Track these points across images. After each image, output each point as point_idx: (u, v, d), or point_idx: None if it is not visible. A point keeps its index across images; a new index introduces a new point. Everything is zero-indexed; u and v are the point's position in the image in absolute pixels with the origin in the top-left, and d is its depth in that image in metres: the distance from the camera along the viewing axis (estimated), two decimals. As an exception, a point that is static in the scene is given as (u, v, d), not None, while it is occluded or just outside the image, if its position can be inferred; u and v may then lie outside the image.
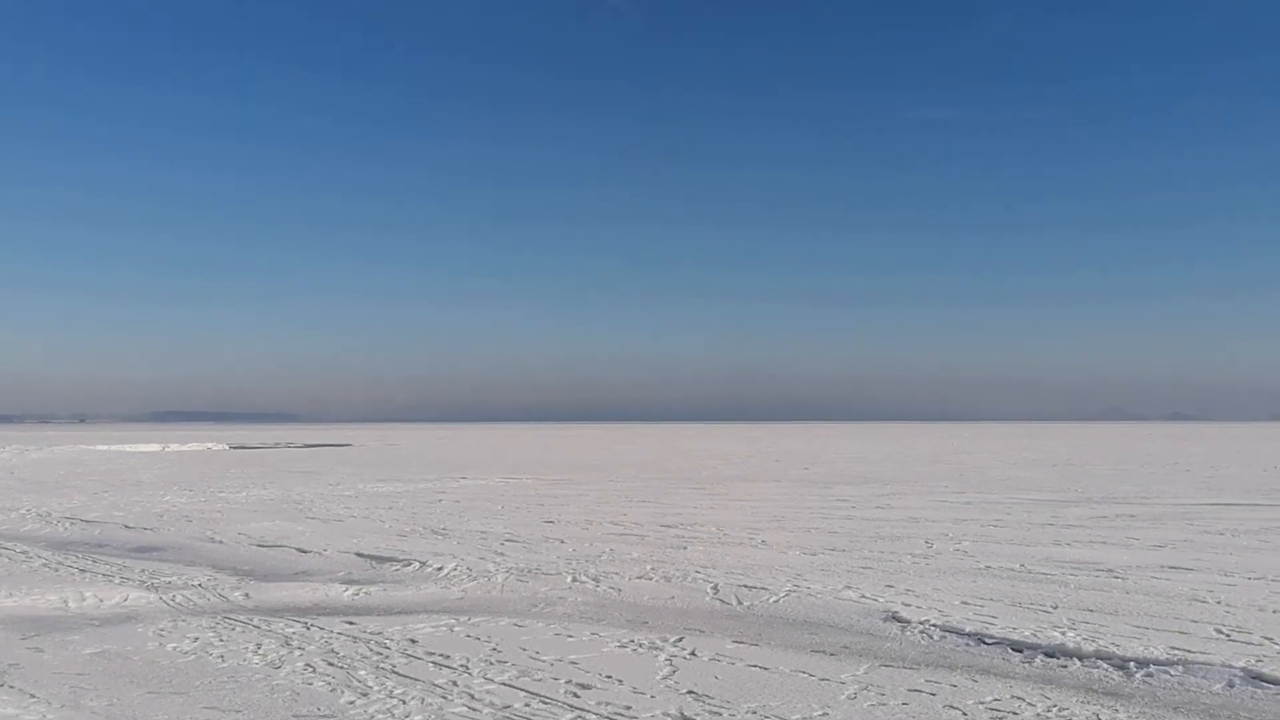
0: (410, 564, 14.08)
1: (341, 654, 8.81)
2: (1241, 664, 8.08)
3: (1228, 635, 9.18)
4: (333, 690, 7.65)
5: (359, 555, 15.11)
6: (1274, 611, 10.27)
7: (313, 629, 9.89)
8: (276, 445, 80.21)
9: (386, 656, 8.68)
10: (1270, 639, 9.00)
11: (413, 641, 9.24)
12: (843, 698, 7.35)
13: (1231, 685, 7.66)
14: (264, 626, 10.03)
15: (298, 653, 8.87)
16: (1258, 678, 7.76)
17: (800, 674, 8.03)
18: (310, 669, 8.30)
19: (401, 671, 8.16)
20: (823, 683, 7.77)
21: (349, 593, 12.11)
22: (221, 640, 9.44)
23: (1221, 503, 23.25)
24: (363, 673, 8.14)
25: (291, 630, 9.83)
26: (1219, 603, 10.75)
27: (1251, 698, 7.39)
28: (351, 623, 10.18)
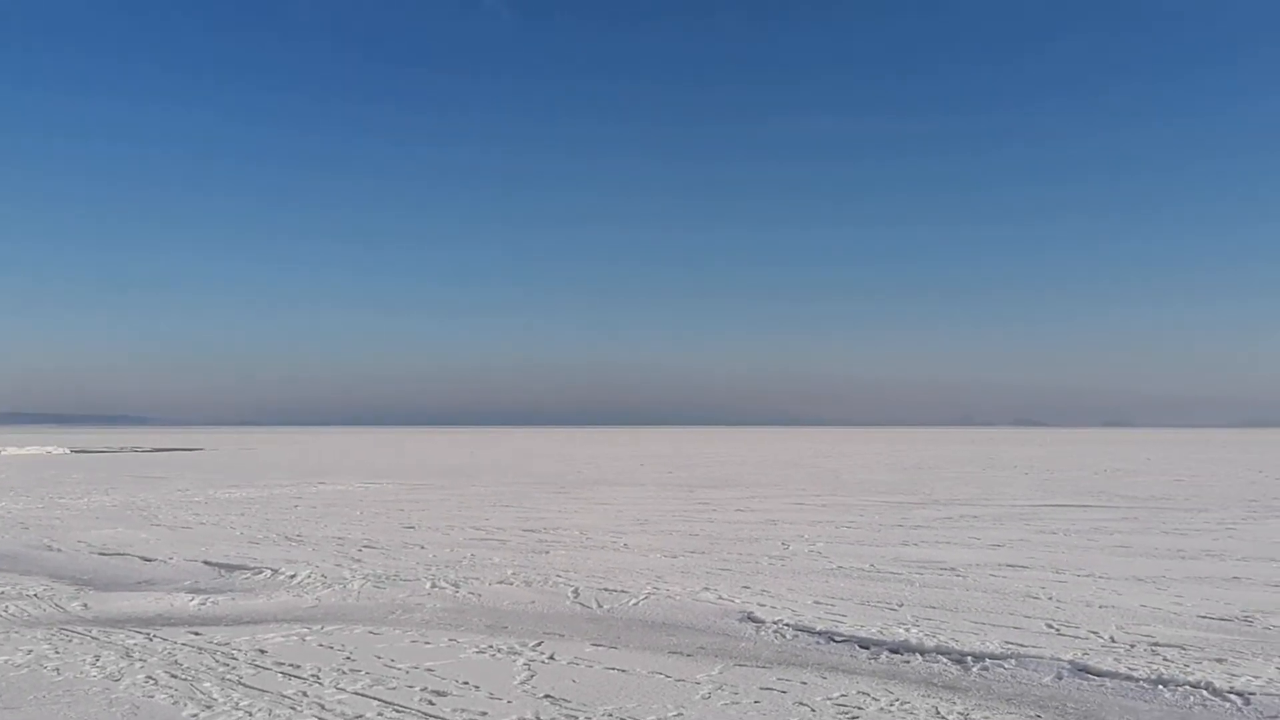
0: (261, 572, 13.65)
1: (185, 665, 8.48)
2: (1069, 657, 8.60)
3: (1057, 630, 9.75)
4: (175, 703, 7.36)
5: (207, 563, 14.56)
6: (1100, 607, 10.95)
7: (155, 640, 9.49)
8: (122, 449, 76.46)
9: (233, 668, 8.40)
10: (1096, 633, 9.59)
11: (262, 652, 8.97)
12: (697, 698, 7.49)
13: (1060, 677, 8.14)
14: (103, 638, 9.58)
15: (139, 665, 8.50)
16: (1083, 670, 8.27)
17: (657, 675, 8.14)
18: (152, 681, 7.97)
19: (249, 683, 7.91)
20: (678, 683, 7.90)
21: (195, 602, 11.66)
22: (57, 653, 8.97)
23: (1056, 504, 24.62)
24: (207, 684, 7.86)
25: (133, 641, 9.42)
26: (1050, 599, 11.40)
27: (1077, 689, 7.86)
28: (197, 633, 9.81)
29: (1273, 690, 7.55)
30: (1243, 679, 7.86)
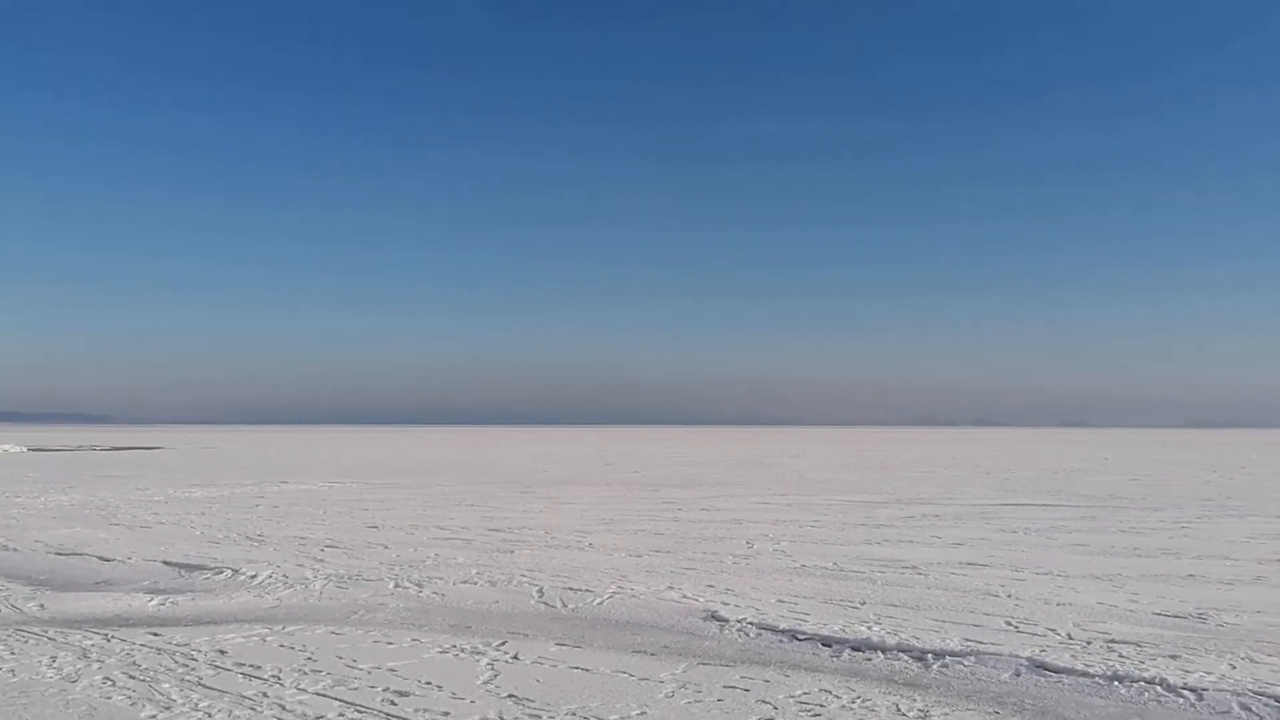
0: (222, 572, 13.52)
1: (144, 666, 8.38)
2: (1027, 654, 8.72)
3: (1016, 627, 9.88)
4: (133, 704, 7.28)
5: (166, 563, 14.39)
6: (1057, 604, 11.10)
7: (113, 641, 9.37)
8: (81, 448, 75.30)
9: (193, 668, 8.31)
10: (1053, 630, 9.73)
11: (222, 652, 8.88)
12: (660, 696, 7.51)
13: (1018, 674, 8.26)
14: (60, 639, 9.44)
15: (96, 666, 8.39)
16: (1041, 666, 8.39)
17: (621, 674, 8.16)
18: (109, 682, 7.87)
19: (208, 683, 7.83)
20: (642, 682, 7.92)
21: (154, 602, 11.53)
22: (13, 654, 8.83)
23: (1016, 503, 24.93)
24: (166, 685, 7.77)
25: (90, 642, 9.29)
26: (1009, 596, 11.55)
27: (1035, 685, 7.97)
28: (156, 634, 9.70)
29: (1225, 686, 7.70)
30: (1196, 675, 8.00)
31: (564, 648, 9.14)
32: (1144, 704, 7.42)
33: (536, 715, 7.02)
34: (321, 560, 14.62)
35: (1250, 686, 7.66)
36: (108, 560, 14.78)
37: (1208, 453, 69.32)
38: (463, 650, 9.00)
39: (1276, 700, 7.32)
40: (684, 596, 11.58)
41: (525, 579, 12.84)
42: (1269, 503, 25.08)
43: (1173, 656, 8.64)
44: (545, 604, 11.32)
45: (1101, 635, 9.48)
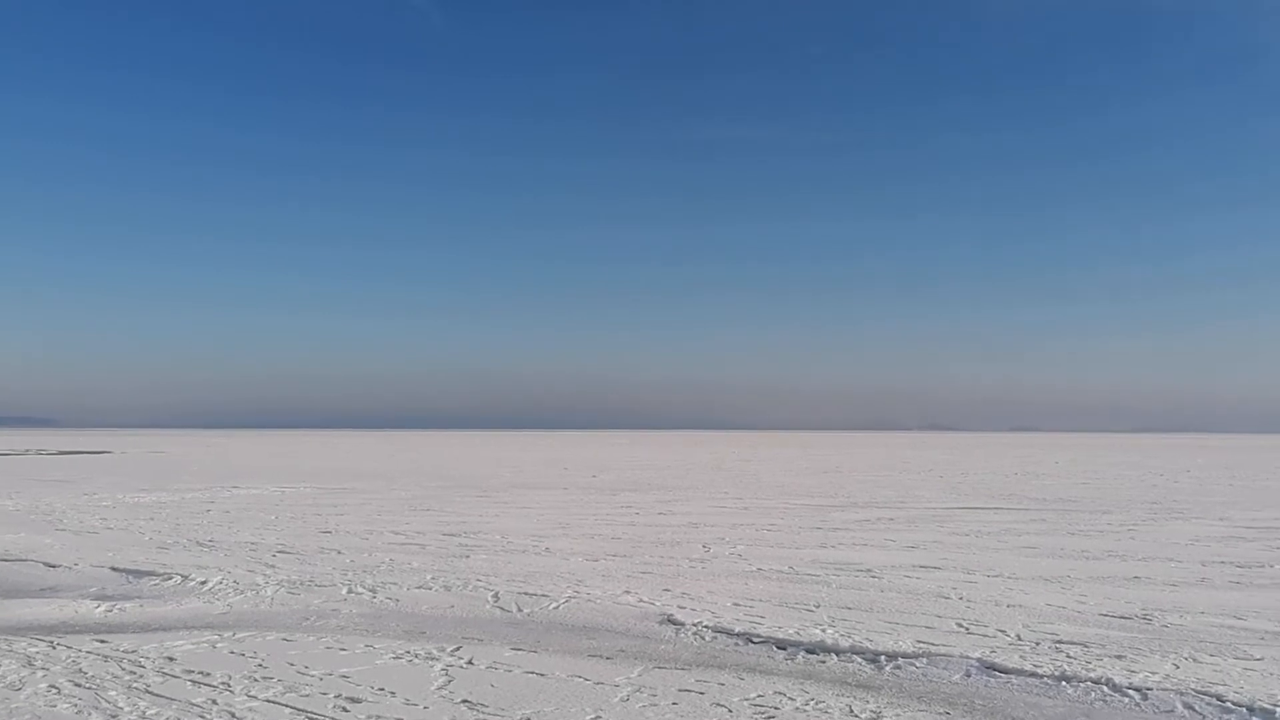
0: (171, 578, 13.31)
1: (90, 674, 8.23)
2: (978, 655, 8.84)
3: (967, 629, 10.01)
4: (79, 713, 7.14)
5: (114, 569, 14.15)
6: (1008, 606, 11.27)
7: (59, 648, 9.19)
8: (27, 451, 73.83)
9: (140, 676, 8.18)
10: (1003, 631, 9.88)
11: (170, 659, 8.75)
12: (615, 700, 7.52)
13: (969, 675, 8.37)
14: (4, 646, 9.24)
15: (41, 674, 8.22)
16: (991, 667, 8.51)
17: (576, 679, 8.15)
18: (54, 690, 7.72)
19: (156, 691, 7.71)
20: (597, 686, 7.92)
21: (101, 609, 11.32)
22: (-50, 665, 8.62)
23: (968, 506, 25.26)
24: (113, 693, 7.64)
25: (35, 650, 9.10)
26: (961, 598, 11.70)
27: (985, 686, 8.09)
28: (103, 641, 9.53)
29: (1169, 686, 7.86)
30: (1141, 675, 8.17)
31: (519, 652, 9.11)
32: (1090, 704, 7.56)
33: (491, 720, 6.99)
34: (273, 566, 14.44)
35: (1193, 686, 7.83)
36: (54, 566, 14.49)
37: (1155, 457, 70.70)
38: (417, 656, 8.94)
39: (1219, 700, 7.49)
40: (640, 600, 11.60)
41: (481, 584, 12.79)
42: (1212, 506, 25.64)
43: (1119, 657, 8.81)
44: (501, 609, 11.28)
45: (1050, 636, 9.64)
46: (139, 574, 13.74)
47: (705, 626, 10.17)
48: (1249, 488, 33.74)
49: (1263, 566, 14.37)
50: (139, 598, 12.11)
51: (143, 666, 8.49)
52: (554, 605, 11.39)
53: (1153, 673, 8.25)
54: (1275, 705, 7.30)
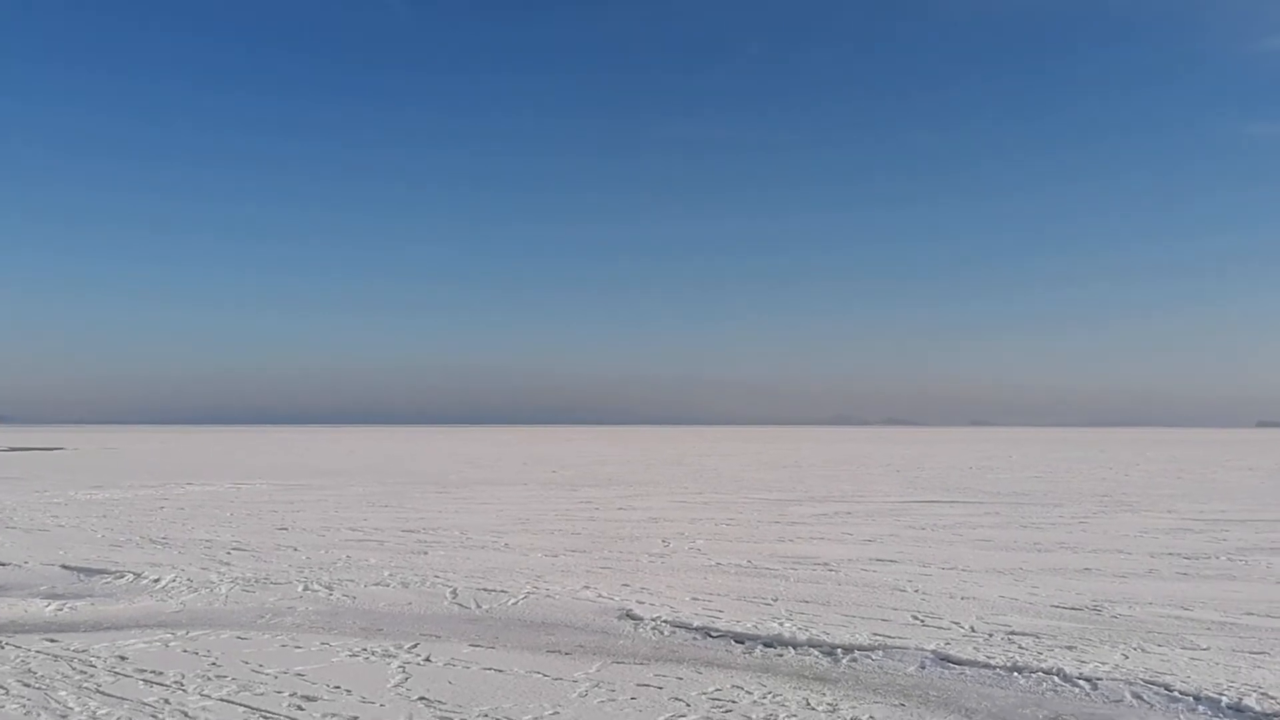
0: (123, 576, 13.11)
1: (40, 674, 8.09)
2: (932, 647, 8.95)
3: (922, 621, 10.13)
4: (27, 713, 7.02)
5: (65, 567, 13.90)
6: (962, 598, 11.41)
7: (8, 648, 9.02)
8: (-29, 448, 72.21)
9: (91, 675, 8.05)
10: (958, 623, 10.01)
11: (122, 659, 8.62)
12: (574, 696, 7.52)
13: (924, 667, 8.47)
14: (-54, 650, 9.05)
15: (-15, 677, 8.07)
16: (946, 659, 8.62)
17: (534, 674, 8.14)
18: (2, 690, 7.58)
19: (107, 691, 7.60)
20: (556, 682, 7.91)
21: (51, 608, 11.12)
22: (-108, 667, 8.43)
23: (925, 500, 25.53)
24: (63, 693, 7.51)
25: (-21, 652, 8.92)
26: (916, 591, 11.83)
27: (940, 677, 8.19)
28: (53, 640, 9.37)
29: (1118, 675, 8.01)
30: (1091, 665, 8.31)
31: (477, 649, 9.08)
32: (1042, 694, 7.68)
33: (448, 718, 6.96)
34: (228, 563, 14.27)
35: (1142, 676, 7.99)
36: (3, 565, 14.21)
37: (1106, 450, 71.89)
38: (373, 653, 8.88)
39: (1166, 689, 7.65)
40: (599, 596, 11.60)
41: (439, 580, 12.72)
42: (1161, 498, 26.13)
43: (1069, 647, 8.96)
44: (459, 605, 11.23)
45: (1003, 628, 9.78)
46: (90, 572, 13.52)
47: (664, 621, 10.19)
48: (1197, 481, 34.43)
49: (1209, 558, 14.68)
50: (90, 596, 11.91)
51: (94, 666, 8.36)
52: (513, 601, 11.36)
53: (1102, 663, 8.39)
54: (1221, 694, 7.47)
